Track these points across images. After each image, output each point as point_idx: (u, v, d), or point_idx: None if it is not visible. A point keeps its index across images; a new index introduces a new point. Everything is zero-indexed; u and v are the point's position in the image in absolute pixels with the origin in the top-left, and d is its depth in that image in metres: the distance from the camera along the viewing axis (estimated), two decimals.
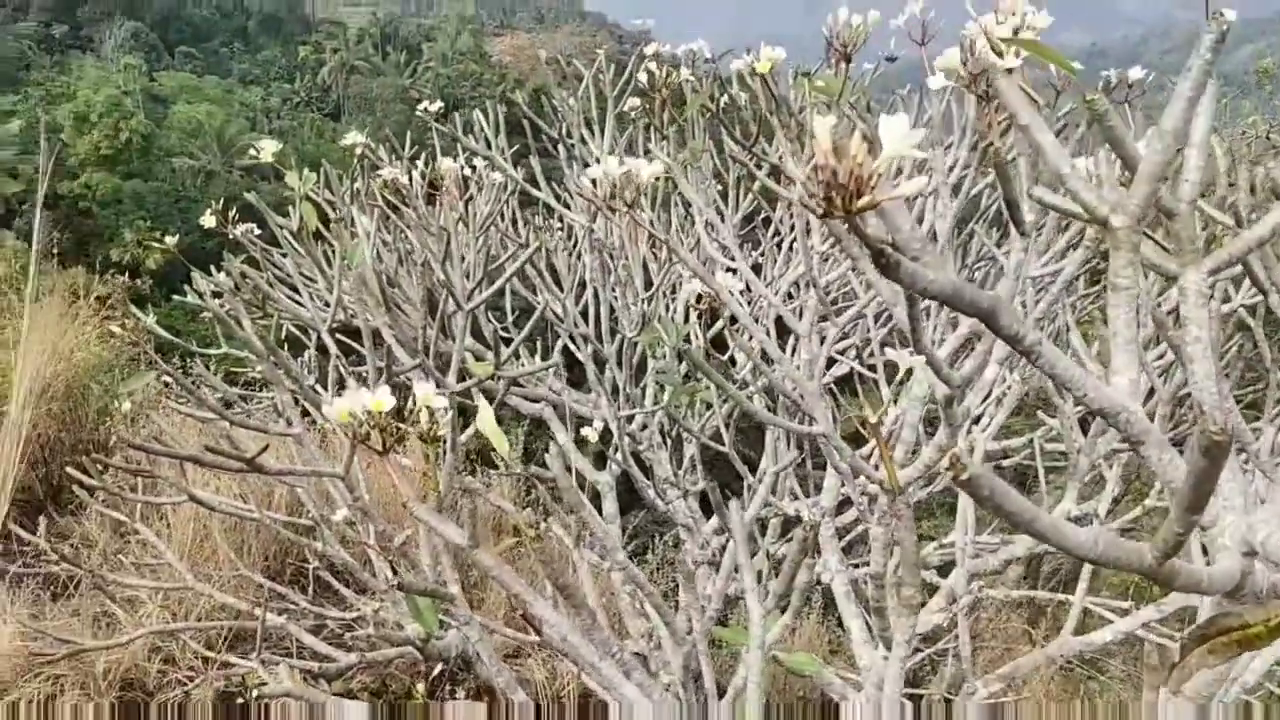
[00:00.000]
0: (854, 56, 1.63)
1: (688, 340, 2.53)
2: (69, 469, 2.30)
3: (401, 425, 0.98)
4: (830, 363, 2.41)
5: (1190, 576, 0.48)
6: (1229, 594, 0.58)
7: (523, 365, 2.83)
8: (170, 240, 2.82)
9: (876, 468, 1.42)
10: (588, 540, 1.95)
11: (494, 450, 3.22)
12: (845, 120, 1.31)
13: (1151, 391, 1.63)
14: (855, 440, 2.16)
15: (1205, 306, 0.66)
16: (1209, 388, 0.64)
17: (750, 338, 1.53)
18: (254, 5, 63.97)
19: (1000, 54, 0.81)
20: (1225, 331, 2.23)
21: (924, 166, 1.65)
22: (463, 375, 2.06)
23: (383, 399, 0.86)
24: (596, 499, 2.82)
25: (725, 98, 2.41)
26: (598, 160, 2.90)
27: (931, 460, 1.18)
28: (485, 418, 0.97)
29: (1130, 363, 0.58)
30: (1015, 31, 1.07)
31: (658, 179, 2.39)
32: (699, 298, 1.50)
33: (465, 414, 2.76)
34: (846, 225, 0.47)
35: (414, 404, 1.00)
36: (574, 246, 2.85)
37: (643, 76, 1.92)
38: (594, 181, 1.37)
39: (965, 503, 1.82)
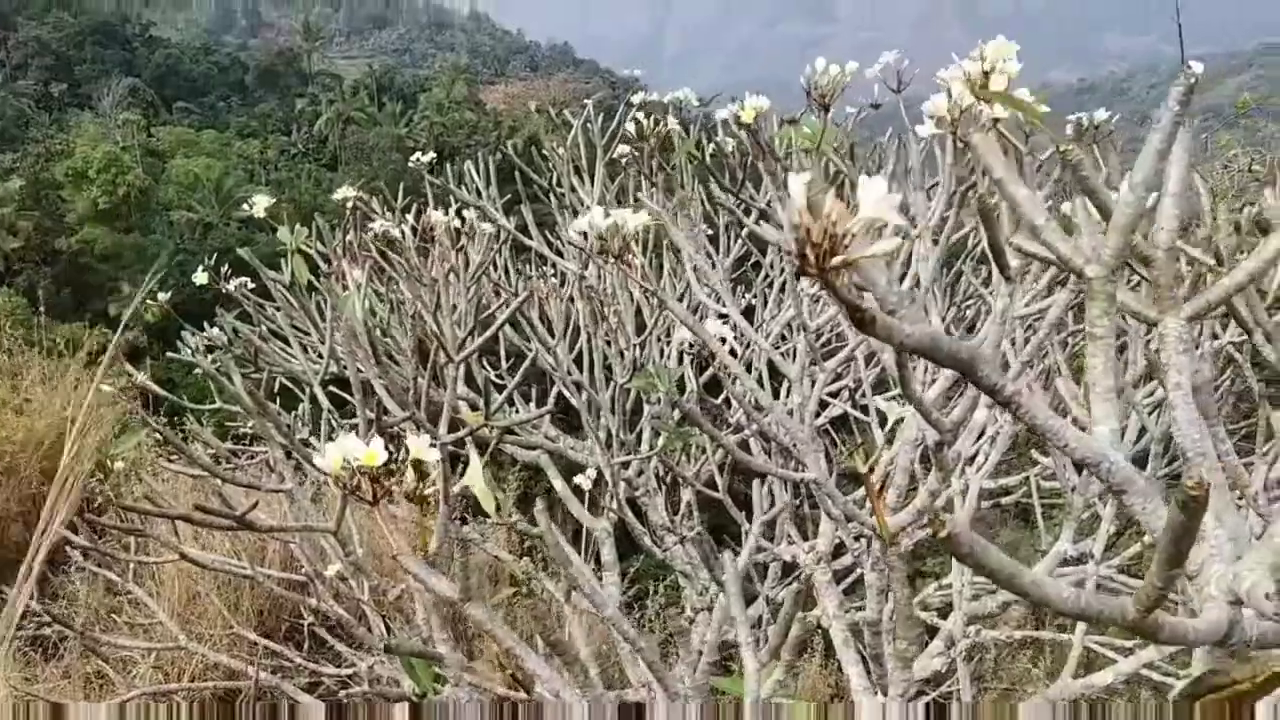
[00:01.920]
0: (836, 103, 1.66)
1: (681, 385, 2.54)
2: (60, 529, 2.28)
3: (392, 478, 0.98)
4: (823, 405, 2.40)
5: (1175, 630, 0.48)
6: (1219, 644, 0.57)
7: (516, 413, 2.82)
8: (163, 297, 2.82)
9: (870, 513, 1.42)
10: (591, 584, 1.94)
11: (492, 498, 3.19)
12: (821, 176, 1.32)
13: (1143, 431, 1.62)
14: (855, 479, 2.16)
15: (1186, 352, 0.66)
16: (1191, 434, 0.64)
17: (741, 383, 1.53)
18: (251, 59, 64.81)
19: (977, 99, 0.82)
20: (1218, 365, 2.24)
21: (907, 213, 1.67)
22: (455, 425, 2.05)
23: (375, 450, 0.86)
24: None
25: (713, 145, 2.44)
26: (588, 208, 2.92)
27: (924, 505, 1.18)
28: (474, 474, 0.96)
29: (1110, 412, 0.57)
30: (987, 74, 1.08)
31: (648, 226, 2.41)
32: (691, 343, 1.50)
33: (463, 463, 2.73)
34: (822, 284, 0.47)
35: (405, 458, 1.00)
36: (566, 293, 2.86)
37: (631, 126, 1.94)
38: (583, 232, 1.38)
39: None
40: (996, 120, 0.88)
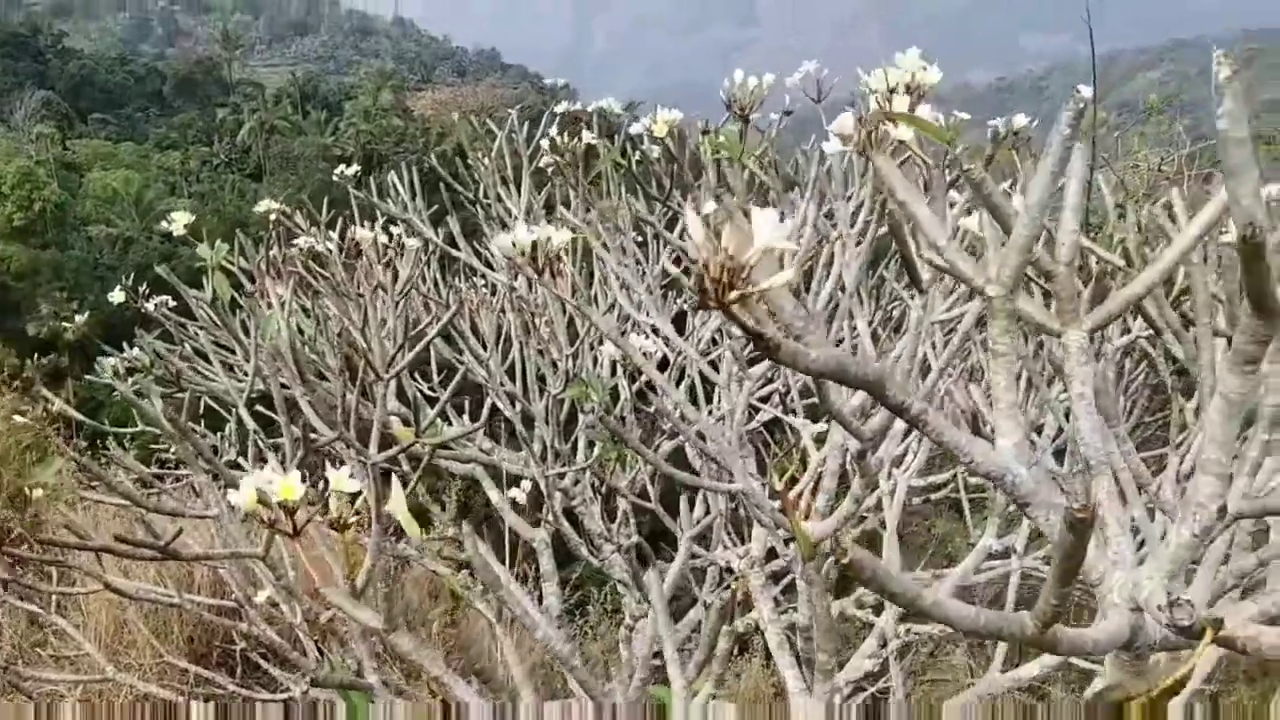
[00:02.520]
0: (759, 111, 1.67)
1: (614, 395, 2.54)
2: None
3: (314, 507, 0.96)
4: (756, 411, 2.42)
5: (1075, 641, 0.49)
6: (1124, 648, 0.59)
7: (449, 427, 2.80)
8: (80, 319, 2.74)
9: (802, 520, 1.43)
10: (523, 606, 1.92)
11: (428, 511, 3.16)
12: (744, 187, 1.33)
13: (1060, 431, 1.67)
14: (792, 481, 2.18)
15: (1088, 363, 0.68)
16: (1094, 443, 0.66)
17: (666, 396, 1.53)
18: (168, 69, 63.23)
19: (882, 119, 0.83)
20: (1134, 357, 2.31)
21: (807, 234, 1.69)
22: (387, 443, 2.02)
23: (291, 484, 0.84)
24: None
25: (638, 153, 2.45)
26: (515, 218, 2.91)
27: (849, 512, 1.19)
28: (396, 500, 0.95)
29: (1014, 427, 0.59)
30: (906, 87, 1.11)
31: (575, 236, 2.40)
32: (616, 359, 1.50)
33: (401, 480, 2.70)
34: (725, 315, 0.48)
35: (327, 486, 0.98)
36: (497, 304, 2.84)
37: (549, 140, 1.94)
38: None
39: (891, 541, 1.84)
40: (903, 141, 0.89)
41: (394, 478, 1.03)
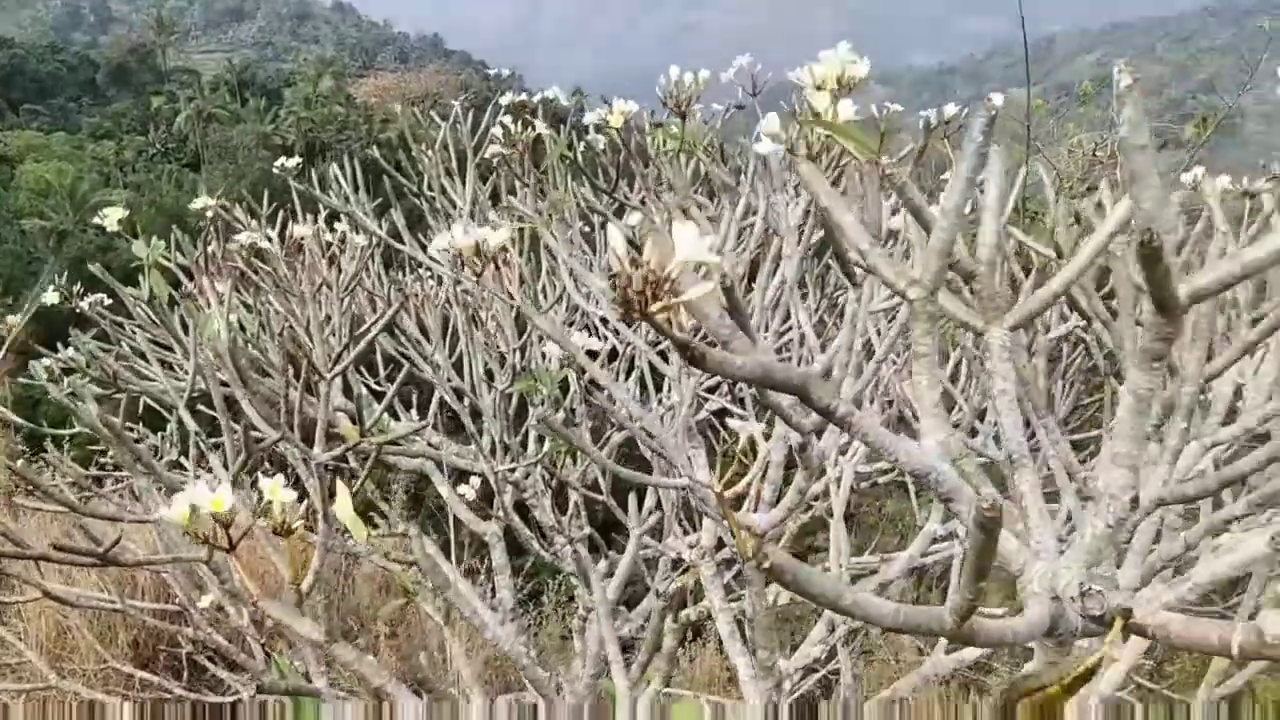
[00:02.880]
0: (709, 101, 1.69)
1: (564, 387, 2.54)
2: None
3: (258, 509, 0.96)
4: (705, 401, 2.44)
5: (993, 632, 0.51)
6: (1047, 635, 0.61)
7: (396, 423, 2.78)
8: (12, 320, 2.67)
9: (752, 510, 1.45)
10: (472, 606, 1.93)
11: (377, 507, 3.13)
12: (689, 179, 1.34)
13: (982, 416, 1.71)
14: (735, 477, 2.20)
15: (1010, 360, 0.70)
16: (1017, 438, 0.68)
17: (611, 393, 1.54)
18: (101, 57, 61.56)
19: (806, 125, 0.84)
20: (1070, 342, 2.36)
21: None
22: (333, 441, 2.01)
23: (221, 497, 0.84)
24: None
25: (584, 143, 2.44)
26: (460, 211, 2.89)
27: (794, 503, 1.21)
28: (342, 504, 0.95)
29: (938, 425, 0.61)
30: (837, 80, 1.12)
31: (522, 227, 2.40)
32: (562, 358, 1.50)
33: (350, 476, 2.69)
34: (651, 326, 0.49)
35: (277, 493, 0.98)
36: (443, 298, 2.82)
37: (498, 130, 1.93)
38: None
39: (838, 529, 1.87)
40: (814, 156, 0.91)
41: (340, 485, 1.02)
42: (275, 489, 0.89)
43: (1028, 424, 1.16)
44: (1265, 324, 0.81)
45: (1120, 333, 0.99)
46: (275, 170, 3.09)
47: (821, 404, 0.58)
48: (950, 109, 1.73)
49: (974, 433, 1.71)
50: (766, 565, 0.43)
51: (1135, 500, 0.57)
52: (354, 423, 2.52)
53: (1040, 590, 0.59)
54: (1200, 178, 2.00)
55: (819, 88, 0.85)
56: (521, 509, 2.75)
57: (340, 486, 1.00)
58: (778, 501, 1.57)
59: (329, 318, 2.29)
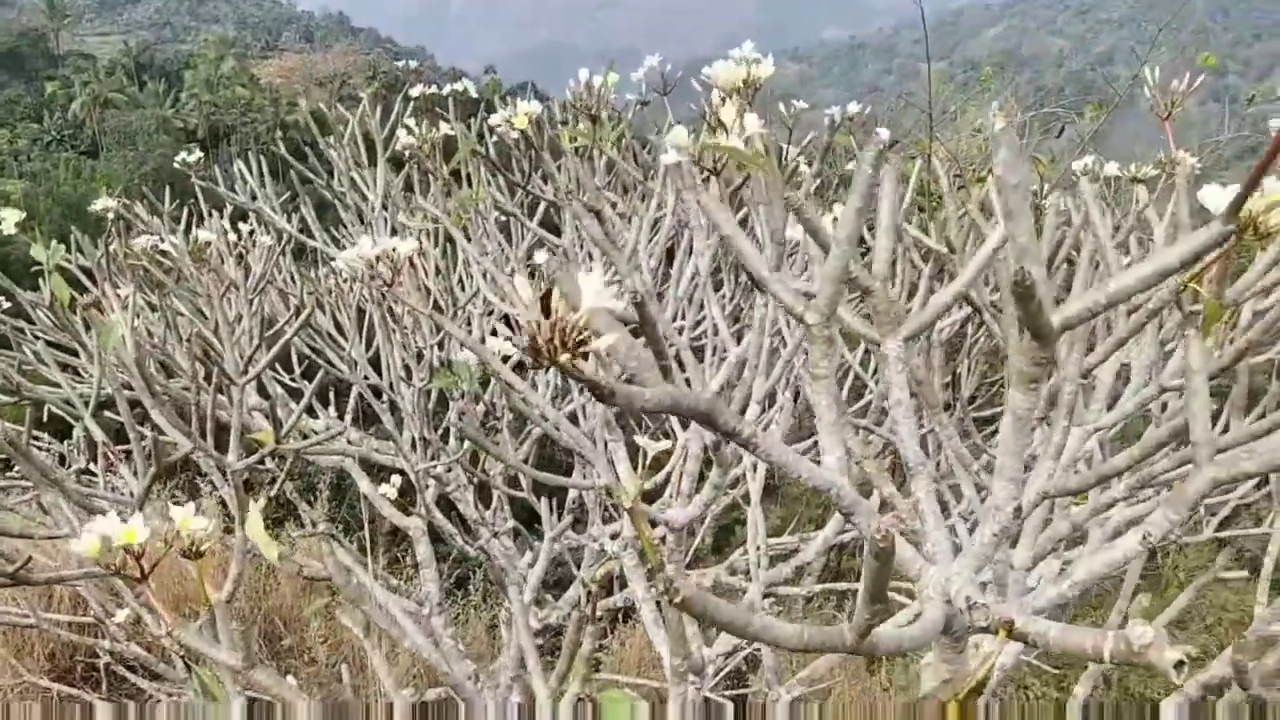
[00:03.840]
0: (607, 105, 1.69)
1: (485, 381, 2.53)
2: None
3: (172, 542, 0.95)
4: None
5: (891, 641, 0.54)
6: (944, 633, 0.65)
7: (315, 422, 2.75)
8: None
9: (664, 508, 1.48)
10: (391, 615, 1.93)
11: (299, 508, 3.08)
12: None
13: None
14: (655, 466, 2.23)
15: (905, 371, 0.74)
16: (913, 447, 0.72)
17: (523, 396, 1.55)
18: None
19: (705, 149, 0.86)
20: (974, 323, 2.45)
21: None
22: (249, 448, 1.98)
23: (133, 529, 0.83)
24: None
25: (495, 136, 2.43)
26: (371, 206, 2.85)
27: (709, 498, 1.24)
28: (253, 523, 0.94)
29: (837, 442, 0.64)
30: (745, 81, 1.14)
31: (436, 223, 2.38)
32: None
33: (269, 479, 2.64)
34: (560, 371, 0.50)
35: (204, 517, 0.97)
36: (356, 294, 2.79)
37: (405, 128, 1.91)
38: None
39: (755, 515, 1.92)
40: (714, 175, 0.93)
41: (252, 504, 1.01)
42: (185, 520, 0.88)
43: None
44: (1133, 320, 0.86)
45: (1006, 327, 1.04)
46: (177, 164, 3.01)
47: (727, 428, 0.60)
48: (854, 107, 1.78)
49: (880, 421, 1.77)
50: (677, 600, 0.45)
51: (1019, 510, 0.60)
52: (270, 423, 2.49)
53: (935, 595, 0.62)
54: (1089, 168, 2.09)
55: (725, 97, 0.87)
56: (448, 503, 2.75)
57: (252, 508, 1.00)
58: (700, 488, 1.60)
59: (239, 318, 2.24)
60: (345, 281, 2.87)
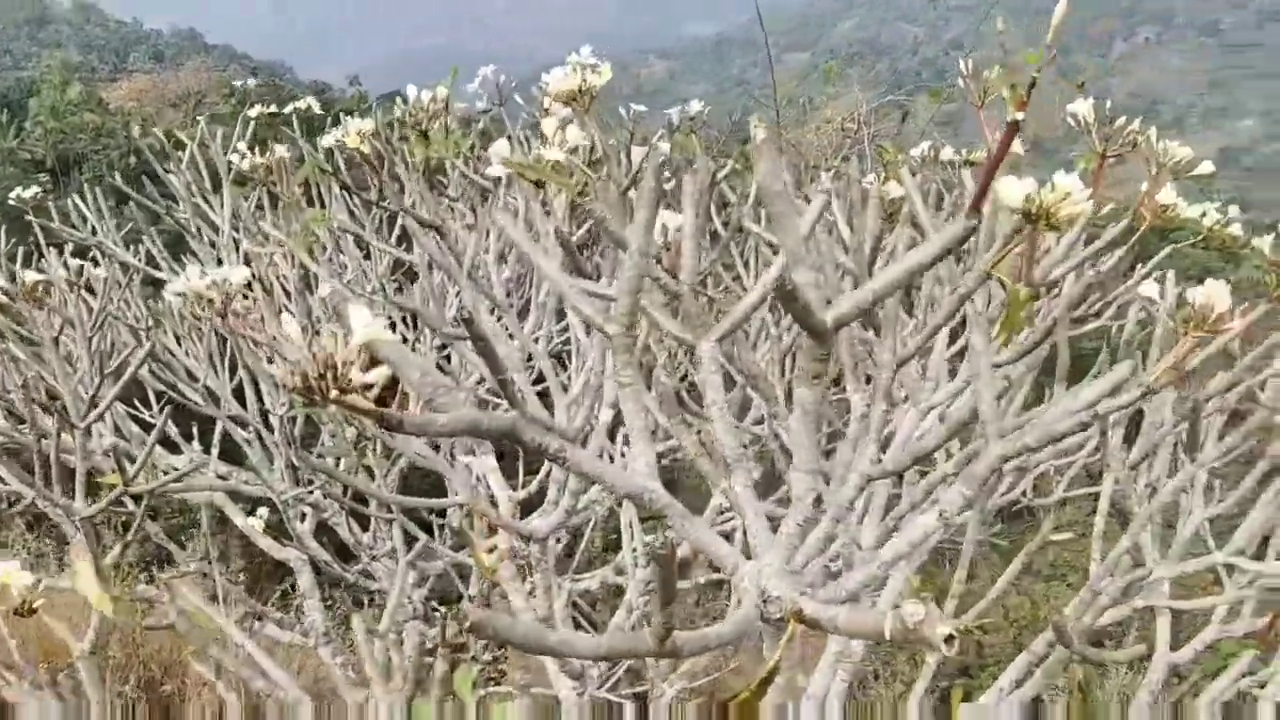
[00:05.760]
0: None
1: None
2: None
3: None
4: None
5: (697, 641, 0.56)
6: (773, 623, 0.67)
7: (178, 458, 2.65)
8: None
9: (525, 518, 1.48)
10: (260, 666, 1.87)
11: (177, 542, 2.96)
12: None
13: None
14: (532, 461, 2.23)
15: (719, 372, 0.76)
16: (730, 443, 0.74)
17: None
18: None
19: (523, 174, 0.87)
20: None
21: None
22: (96, 491, 1.89)
23: (10, 573, 0.79)
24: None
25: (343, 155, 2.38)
26: (219, 230, 2.76)
27: (570, 506, 1.25)
28: (83, 577, 0.91)
29: (646, 448, 0.65)
30: (579, 90, 1.15)
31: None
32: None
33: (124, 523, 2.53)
34: (339, 408, 0.50)
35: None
36: (210, 324, 2.69)
37: (237, 157, 1.86)
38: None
39: (630, 514, 1.93)
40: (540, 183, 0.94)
41: (84, 558, 0.97)
42: (9, 575, 0.85)
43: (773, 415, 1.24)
44: (943, 310, 0.90)
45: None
46: (13, 201, 2.85)
47: (534, 445, 0.61)
48: (695, 105, 1.81)
49: (743, 412, 1.81)
50: (467, 625, 0.46)
51: (819, 500, 0.63)
52: (130, 463, 2.39)
53: (750, 588, 0.64)
54: (926, 152, 2.18)
55: (564, 102, 0.88)
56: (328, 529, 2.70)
57: (81, 564, 0.96)
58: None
59: (78, 359, 2.14)
60: (199, 311, 2.77)
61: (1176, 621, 1.43)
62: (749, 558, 0.71)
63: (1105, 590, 1.10)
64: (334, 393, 0.47)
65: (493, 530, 1.29)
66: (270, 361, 2.51)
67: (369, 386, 0.50)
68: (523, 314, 2.25)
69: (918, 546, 0.64)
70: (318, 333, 0.49)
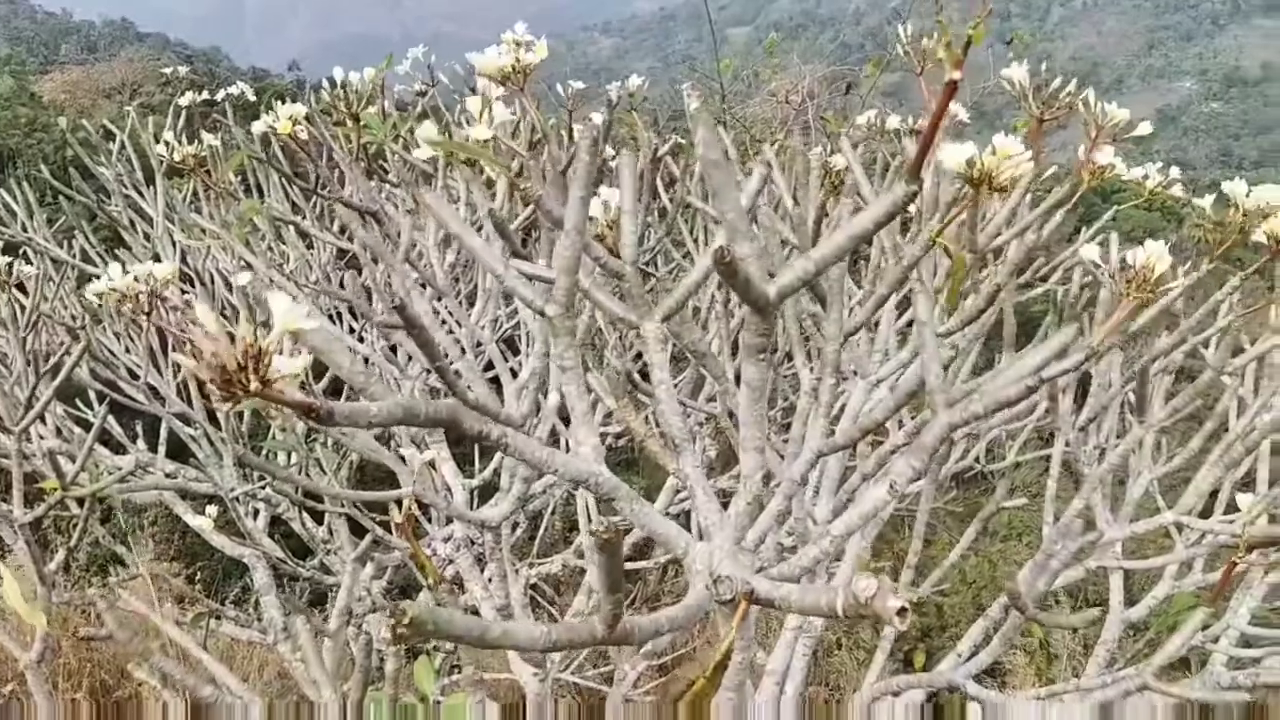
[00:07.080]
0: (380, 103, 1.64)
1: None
2: None
3: None
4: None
5: (648, 626, 0.54)
6: (724, 604, 0.66)
7: (123, 457, 2.59)
8: None
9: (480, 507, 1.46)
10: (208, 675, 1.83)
11: (132, 544, 2.90)
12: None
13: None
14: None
15: (664, 350, 0.74)
16: (675, 423, 0.72)
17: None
18: None
19: (443, 153, 0.85)
20: None
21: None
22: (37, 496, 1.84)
23: None
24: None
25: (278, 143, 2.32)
26: (153, 223, 2.68)
27: (521, 493, 1.23)
28: (8, 588, 0.87)
29: (590, 432, 0.63)
30: (514, 66, 1.12)
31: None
32: None
33: (68, 525, 2.47)
34: (260, 400, 0.48)
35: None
36: (149, 319, 2.62)
37: (165, 145, 1.81)
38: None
39: (586, 499, 1.92)
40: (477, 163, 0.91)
41: (3, 568, 0.93)
42: None
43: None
44: (888, 279, 0.89)
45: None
46: None
47: (473, 432, 0.59)
48: (635, 80, 1.78)
49: (696, 391, 1.80)
50: (405, 625, 0.44)
51: (768, 477, 0.62)
52: (72, 464, 2.32)
53: (702, 569, 0.63)
54: (870, 121, 2.17)
55: (499, 81, 0.85)
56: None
57: (6, 574, 0.92)
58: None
59: (10, 359, 2.07)
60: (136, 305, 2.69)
61: (1129, 580, 1.45)
62: (703, 538, 0.69)
63: (1058, 554, 1.11)
64: (255, 385, 0.44)
65: (417, 534, 1.27)
66: (180, 352, 2.45)
67: (294, 377, 0.48)
68: (472, 300, 2.22)
69: (869, 519, 0.64)
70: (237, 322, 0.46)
